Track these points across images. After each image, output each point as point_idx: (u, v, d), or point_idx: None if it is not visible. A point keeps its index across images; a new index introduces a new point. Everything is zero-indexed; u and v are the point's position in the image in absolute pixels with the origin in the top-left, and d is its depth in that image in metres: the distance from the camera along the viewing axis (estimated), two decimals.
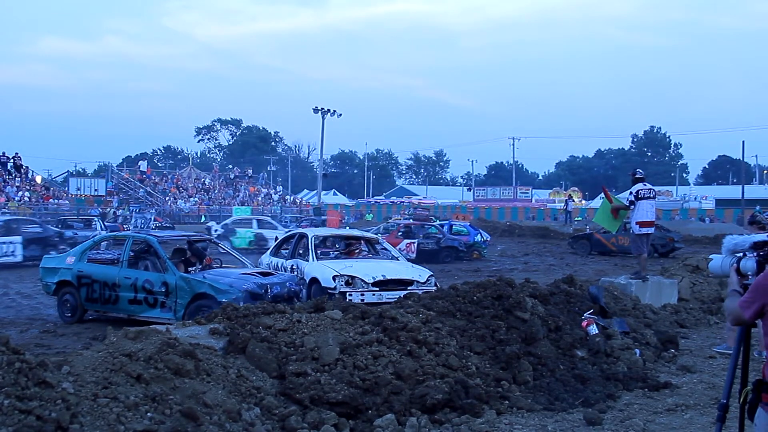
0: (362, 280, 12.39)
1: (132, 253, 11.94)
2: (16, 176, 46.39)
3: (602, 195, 13.74)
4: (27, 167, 48.67)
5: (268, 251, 15.68)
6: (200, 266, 11.95)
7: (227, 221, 33.27)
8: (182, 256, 12.25)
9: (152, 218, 32.38)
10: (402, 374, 6.37)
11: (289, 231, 27.69)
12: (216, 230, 30.34)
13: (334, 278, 12.35)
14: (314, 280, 12.74)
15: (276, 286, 10.90)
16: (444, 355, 6.83)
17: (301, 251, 14.15)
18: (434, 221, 30.77)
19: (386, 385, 6.18)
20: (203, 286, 10.64)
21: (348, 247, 14.90)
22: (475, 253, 25.33)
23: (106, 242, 14.28)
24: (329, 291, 12.13)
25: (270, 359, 6.29)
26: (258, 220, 32.54)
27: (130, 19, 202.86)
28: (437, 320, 7.47)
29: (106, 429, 4.61)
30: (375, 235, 16.95)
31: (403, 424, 5.85)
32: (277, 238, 18.29)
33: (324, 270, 12.80)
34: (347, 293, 12.03)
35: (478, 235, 26.60)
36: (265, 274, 11.63)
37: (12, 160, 47.50)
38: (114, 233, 15.67)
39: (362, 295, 12.10)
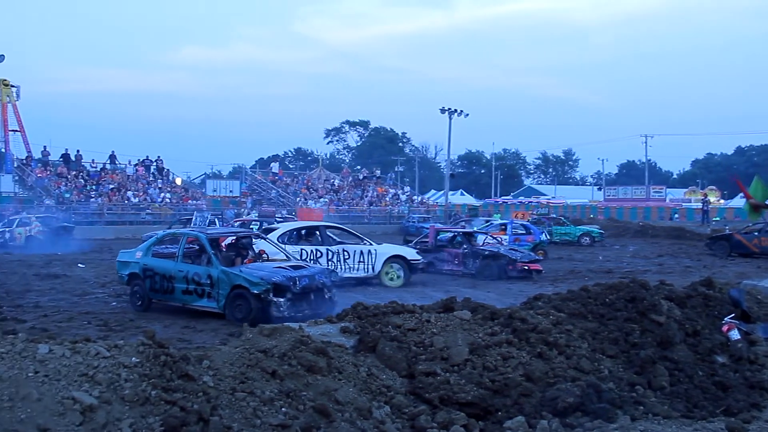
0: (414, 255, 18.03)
1: (187, 249, 13.38)
2: (158, 178, 48.94)
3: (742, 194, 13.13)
4: (168, 170, 51.24)
5: (275, 238, 16.22)
6: (247, 260, 13.36)
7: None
8: (235, 250, 13.74)
9: (208, 217, 33.72)
10: (532, 376, 6.28)
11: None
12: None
13: (417, 252, 18.11)
14: (398, 257, 17.52)
15: (304, 279, 12.05)
16: (575, 358, 6.69)
17: (341, 239, 18.06)
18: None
19: (516, 387, 6.11)
20: (239, 279, 11.91)
21: (309, 236, 17.94)
22: (540, 252, 26.20)
23: (169, 238, 15.52)
24: (413, 262, 17.52)
25: (399, 358, 6.36)
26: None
27: (262, 26, 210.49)
28: (568, 322, 7.34)
29: (243, 422, 4.78)
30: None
31: (533, 427, 5.74)
32: None
33: (405, 250, 18.38)
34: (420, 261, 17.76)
35: (543, 234, 28.90)
36: (297, 268, 12.62)
37: (155, 163, 50.19)
38: (173, 230, 16.63)
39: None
